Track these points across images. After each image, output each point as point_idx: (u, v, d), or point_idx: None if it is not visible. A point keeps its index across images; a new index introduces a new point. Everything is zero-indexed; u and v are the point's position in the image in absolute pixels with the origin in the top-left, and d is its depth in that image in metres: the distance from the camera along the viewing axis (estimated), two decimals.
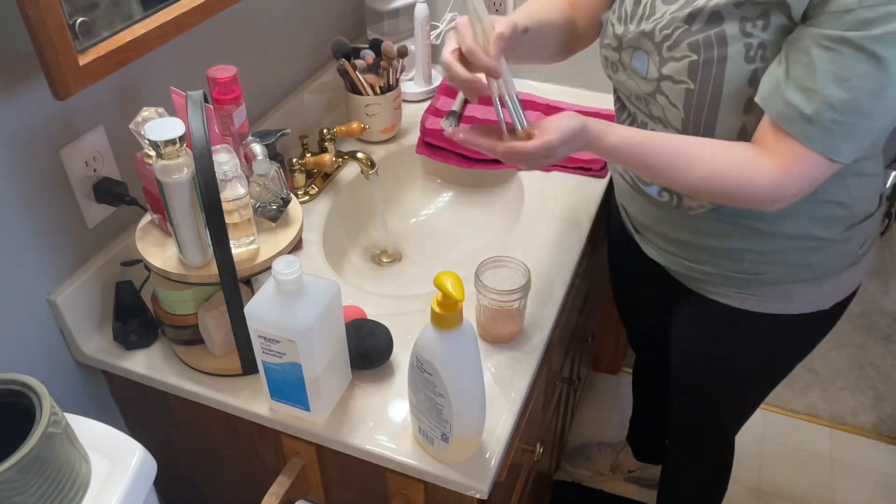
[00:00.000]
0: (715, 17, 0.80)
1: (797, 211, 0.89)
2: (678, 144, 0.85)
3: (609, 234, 1.32)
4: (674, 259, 1.06)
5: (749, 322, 1.04)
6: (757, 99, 0.80)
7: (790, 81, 0.76)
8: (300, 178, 1.27)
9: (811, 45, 0.74)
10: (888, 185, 2.56)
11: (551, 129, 0.81)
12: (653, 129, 0.95)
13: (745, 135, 0.85)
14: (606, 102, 1.26)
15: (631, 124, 1.00)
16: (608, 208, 1.31)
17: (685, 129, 0.89)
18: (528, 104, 1.46)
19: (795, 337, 1.07)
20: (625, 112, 1.02)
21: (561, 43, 1.04)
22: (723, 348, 1.11)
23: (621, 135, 0.85)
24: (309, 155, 1.29)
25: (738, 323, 1.05)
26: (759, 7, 0.77)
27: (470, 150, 1.36)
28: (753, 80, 0.81)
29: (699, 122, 0.87)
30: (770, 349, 1.09)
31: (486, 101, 1.48)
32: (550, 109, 1.45)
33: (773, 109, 0.79)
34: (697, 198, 0.95)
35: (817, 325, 1.06)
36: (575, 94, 1.54)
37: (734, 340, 1.09)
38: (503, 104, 0.83)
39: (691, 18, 0.82)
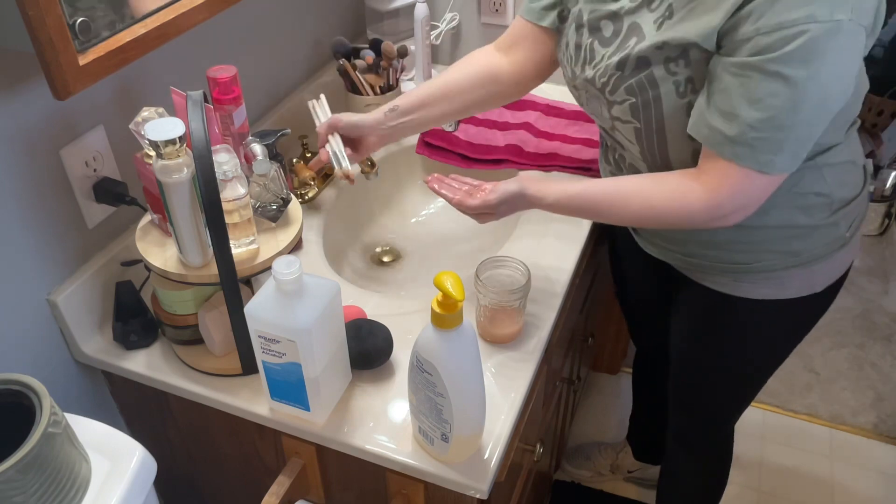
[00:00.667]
0: (642, 62, 0.86)
1: (779, 203, 0.93)
2: (610, 188, 0.94)
3: (612, 229, 1.34)
4: (671, 254, 1.09)
5: (745, 309, 1.06)
6: (688, 129, 0.85)
7: (711, 108, 0.81)
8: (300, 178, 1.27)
9: (723, 73, 0.79)
10: (888, 185, 2.57)
11: (492, 191, 0.95)
12: (622, 155, 1.02)
13: (698, 158, 0.89)
14: None
15: (606, 152, 1.07)
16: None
17: (645, 159, 0.96)
18: (528, 104, 1.47)
19: (790, 322, 1.10)
20: (603, 136, 1.07)
21: (485, 97, 1.09)
22: (719, 335, 1.13)
23: (558, 191, 0.94)
24: (302, 163, 1.28)
25: (734, 310, 1.07)
26: (678, 47, 0.82)
27: (469, 150, 1.37)
28: (690, 111, 0.86)
29: (654, 153, 0.93)
30: (765, 335, 1.11)
31: None
32: (550, 109, 1.45)
33: (700, 135, 0.84)
34: (647, 227, 1.06)
35: (811, 308, 1.09)
36: None
37: (730, 327, 1.11)
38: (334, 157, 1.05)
39: (622, 65, 0.88)
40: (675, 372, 1.26)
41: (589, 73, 0.93)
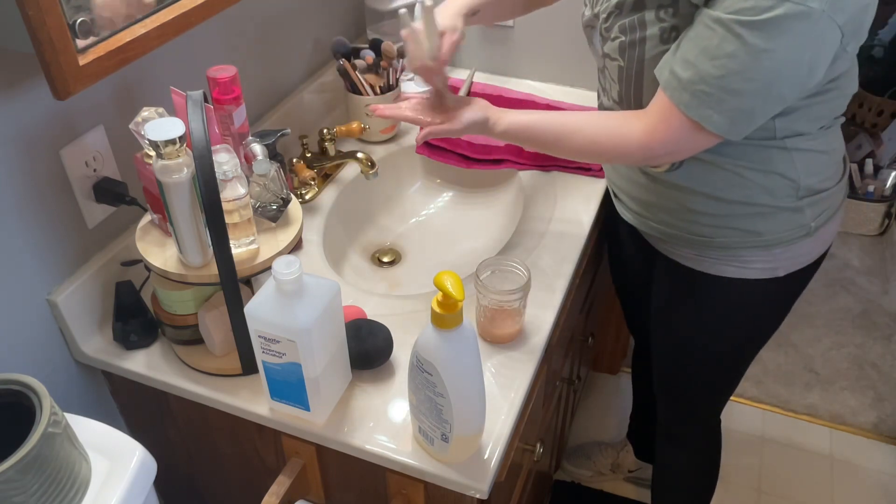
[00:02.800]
0: (638, 4, 0.92)
1: (744, 180, 0.97)
2: (558, 120, 0.98)
3: (605, 207, 1.35)
4: (642, 220, 1.12)
5: (708, 284, 1.08)
6: (655, 70, 0.90)
7: (678, 53, 0.86)
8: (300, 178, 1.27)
9: (699, 24, 0.84)
10: (888, 185, 2.57)
11: (456, 121, 0.97)
12: (606, 99, 1.05)
13: None
14: None
15: (599, 97, 1.10)
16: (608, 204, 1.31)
17: (621, 100, 1.00)
18: (528, 104, 1.46)
19: (753, 304, 1.11)
20: (598, 84, 1.11)
21: (521, 3, 1.16)
22: (685, 311, 1.16)
23: (510, 120, 0.98)
24: (302, 163, 1.28)
25: (698, 285, 1.10)
26: None
27: (469, 150, 1.37)
28: None
29: (630, 95, 0.98)
30: (729, 314, 1.13)
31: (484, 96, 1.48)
32: (550, 109, 1.45)
33: (661, 77, 0.88)
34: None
35: (774, 293, 1.10)
36: (575, 94, 1.54)
37: (694, 304, 1.14)
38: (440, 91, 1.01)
39: (620, 6, 0.94)
40: (655, 354, 1.29)
41: (598, 9, 0.99)
